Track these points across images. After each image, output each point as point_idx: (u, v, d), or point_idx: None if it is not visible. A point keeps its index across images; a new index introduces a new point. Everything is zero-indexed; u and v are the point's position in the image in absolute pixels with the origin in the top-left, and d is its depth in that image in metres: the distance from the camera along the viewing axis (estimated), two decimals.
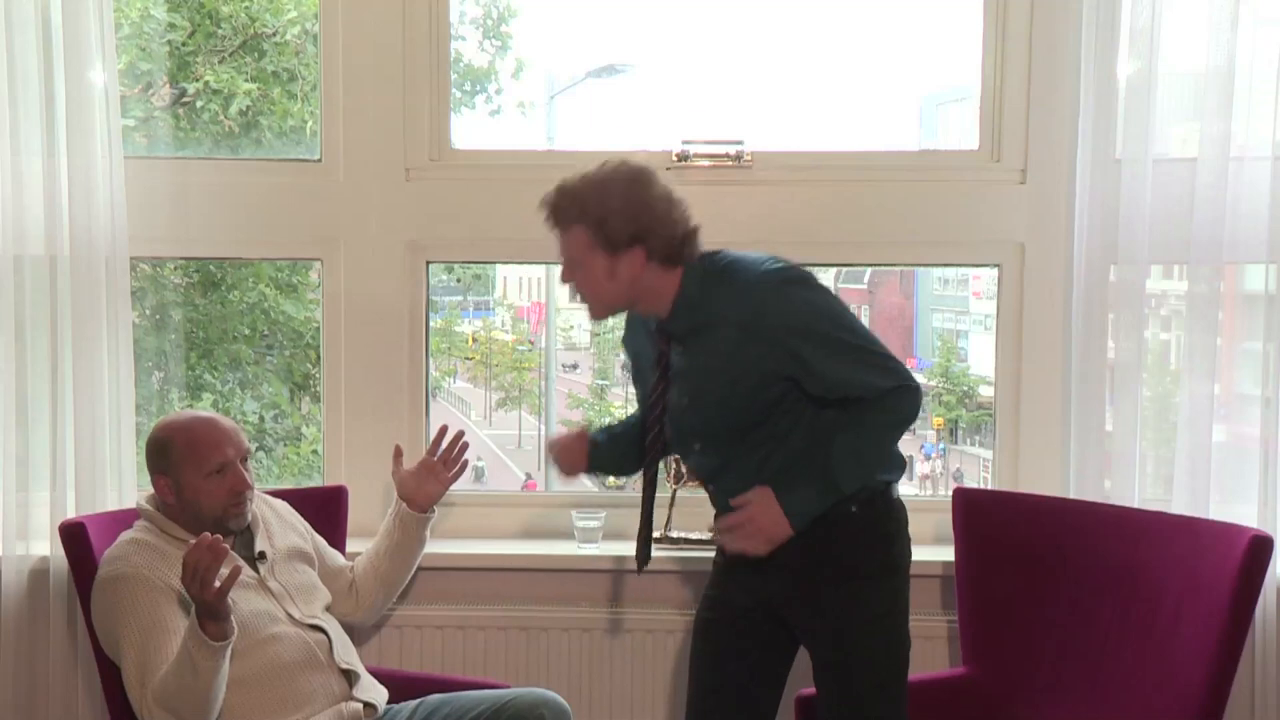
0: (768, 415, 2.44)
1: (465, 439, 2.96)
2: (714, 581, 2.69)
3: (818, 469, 2.42)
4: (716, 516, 2.59)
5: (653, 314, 2.51)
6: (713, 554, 3.12)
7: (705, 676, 2.64)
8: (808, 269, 2.48)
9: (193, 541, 2.53)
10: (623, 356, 2.87)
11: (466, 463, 2.96)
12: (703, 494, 3.18)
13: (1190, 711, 2.53)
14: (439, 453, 2.94)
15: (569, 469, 2.75)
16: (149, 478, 2.63)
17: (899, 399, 2.41)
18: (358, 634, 3.04)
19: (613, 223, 2.40)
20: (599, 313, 2.55)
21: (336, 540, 2.96)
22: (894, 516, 2.53)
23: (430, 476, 2.91)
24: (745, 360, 2.40)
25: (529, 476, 5.22)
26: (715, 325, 2.43)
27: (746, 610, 2.58)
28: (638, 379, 2.69)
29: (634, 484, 4.70)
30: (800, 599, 2.51)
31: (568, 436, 2.75)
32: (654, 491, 2.69)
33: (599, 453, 2.73)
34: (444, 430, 2.98)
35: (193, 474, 2.57)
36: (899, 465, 2.56)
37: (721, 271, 2.46)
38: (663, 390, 2.54)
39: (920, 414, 2.50)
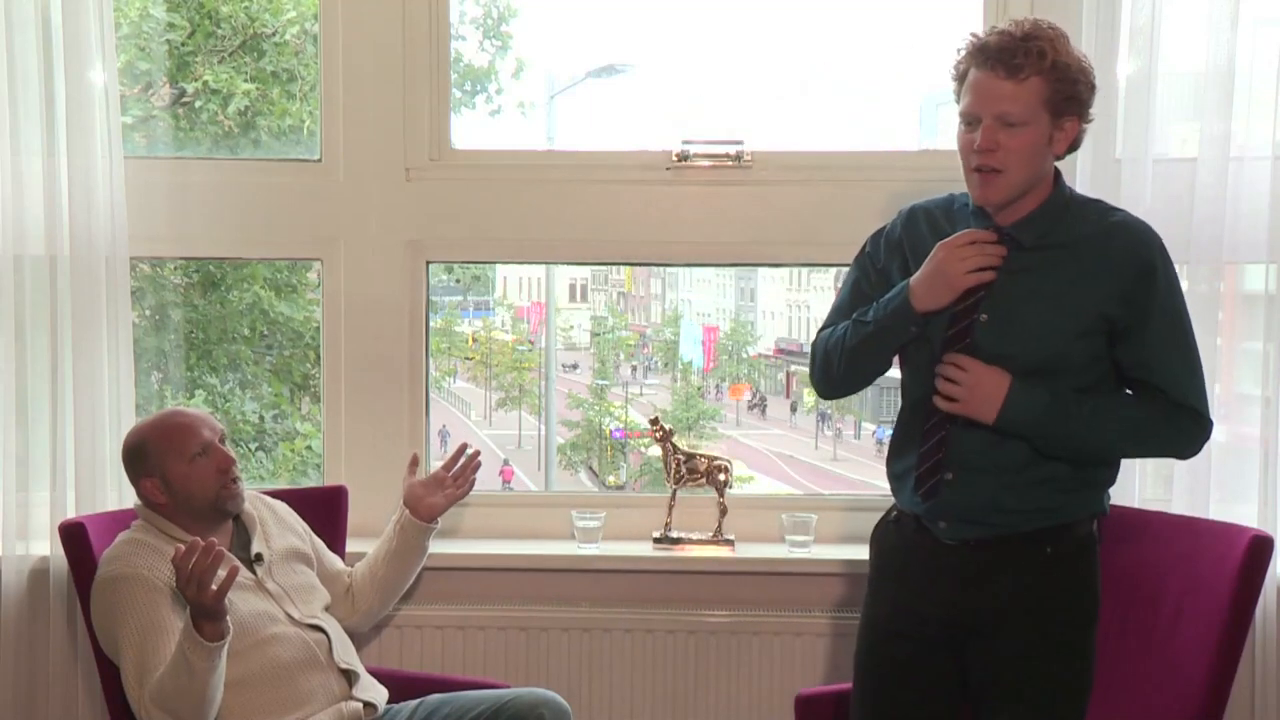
0: (1059, 371, 2.25)
1: (480, 459, 2.96)
2: (884, 615, 2.45)
3: (1062, 392, 2.23)
4: (934, 469, 2.34)
5: (1006, 211, 2.27)
6: (720, 554, 3.14)
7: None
8: None
9: (189, 542, 2.54)
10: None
11: (474, 482, 2.97)
12: (703, 494, 3.20)
13: (1190, 711, 2.53)
14: (454, 469, 2.94)
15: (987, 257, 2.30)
16: (135, 487, 2.62)
17: (1196, 434, 2.32)
18: (357, 634, 3.04)
19: (1080, 82, 2.22)
20: (1009, 191, 2.25)
21: (336, 540, 2.96)
22: (1097, 555, 2.38)
23: (438, 489, 2.92)
24: (1095, 291, 2.23)
25: (506, 462, 5.23)
26: (1076, 246, 2.26)
27: (929, 642, 2.38)
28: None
29: (635, 484, 4.72)
30: (1000, 619, 2.32)
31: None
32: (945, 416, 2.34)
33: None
34: (464, 448, 2.99)
35: (176, 463, 2.56)
36: (1109, 492, 2.41)
37: (1083, 199, 2.33)
38: (976, 301, 2.28)
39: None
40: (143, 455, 2.59)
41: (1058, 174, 2.33)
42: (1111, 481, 2.41)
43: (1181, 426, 2.31)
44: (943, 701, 2.41)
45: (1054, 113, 2.23)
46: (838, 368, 2.44)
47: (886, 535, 2.50)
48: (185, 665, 2.29)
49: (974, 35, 2.30)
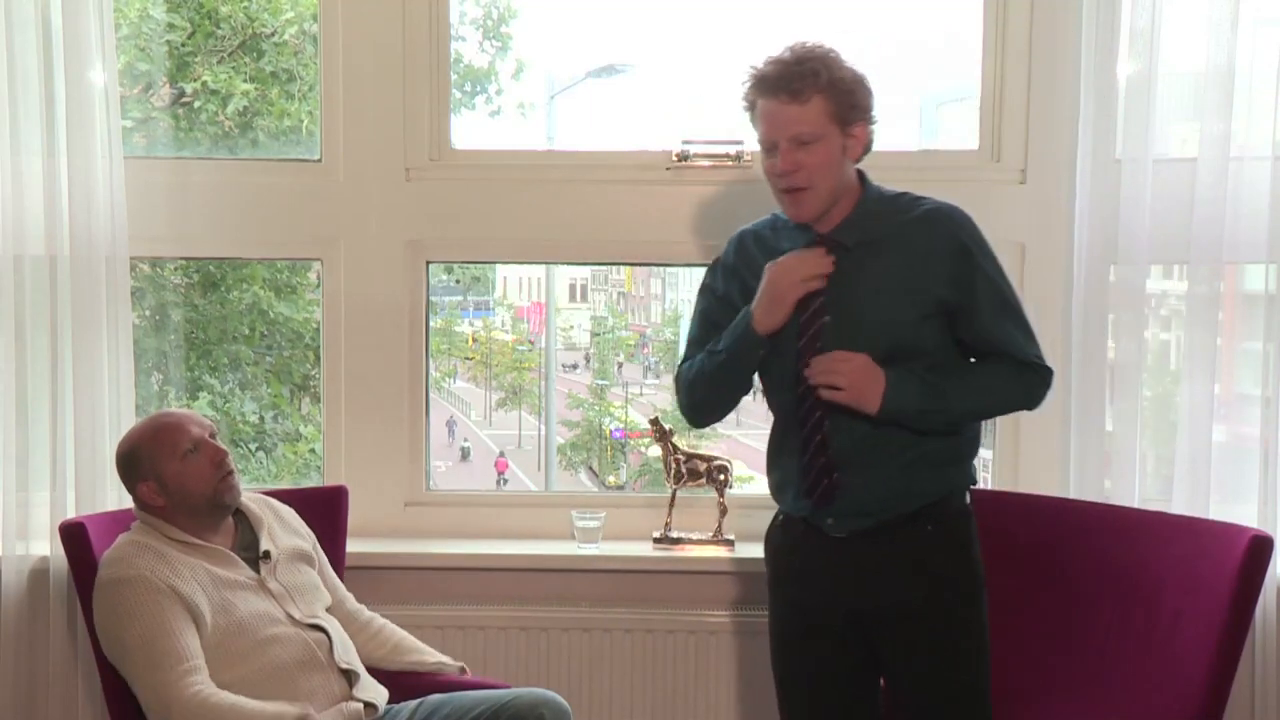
0: (910, 355, 2.38)
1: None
2: (785, 616, 2.61)
3: (927, 374, 2.37)
4: (824, 469, 2.45)
5: (823, 221, 2.41)
6: (720, 554, 3.14)
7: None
8: None
9: (193, 541, 2.54)
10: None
11: None
12: (703, 494, 3.20)
13: (1190, 711, 2.53)
14: None
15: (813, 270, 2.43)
16: (132, 494, 2.61)
17: (1035, 382, 2.44)
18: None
19: (858, 92, 2.36)
20: (818, 204, 2.39)
21: (336, 540, 2.95)
22: (975, 524, 2.53)
23: None
24: (924, 279, 2.37)
25: (501, 454, 5.25)
26: (894, 239, 2.39)
27: (838, 635, 2.52)
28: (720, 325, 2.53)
29: (635, 484, 4.72)
30: (899, 606, 2.45)
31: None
32: (818, 421, 2.45)
33: None
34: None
35: (170, 461, 2.56)
36: (976, 462, 2.55)
37: (898, 193, 2.46)
38: (818, 307, 2.40)
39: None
40: (135, 460, 2.59)
41: (862, 175, 2.47)
42: (974, 453, 2.54)
43: (1028, 381, 2.44)
44: (862, 688, 2.55)
45: (841, 123, 2.36)
46: (701, 397, 2.57)
47: (775, 538, 2.63)
48: None
49: (754, 68, 2.42)
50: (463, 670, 2.79)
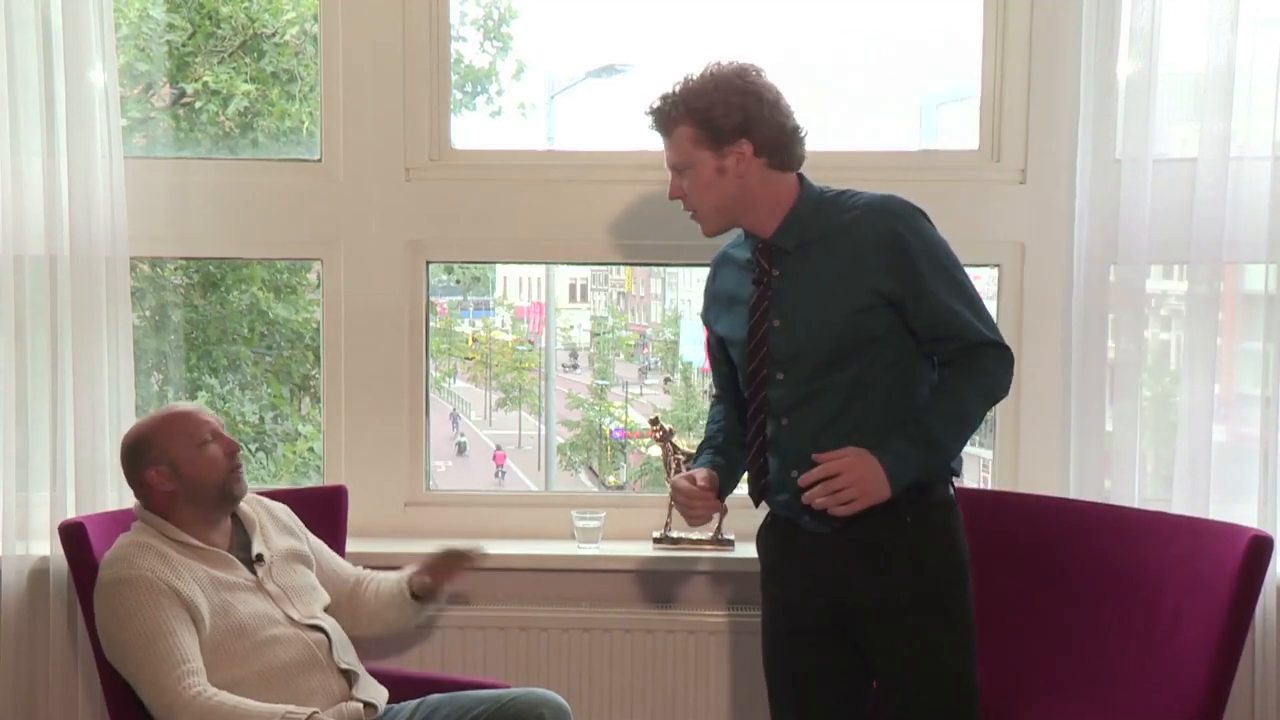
0: (860, 350, 2.39)
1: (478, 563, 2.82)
2: (776, 614, 2.61)
3: (910, 429, 2.37)
4: (780, 468, 2.48)
5: (757, 229, 2.47)
6: (719, 554, 3.14)
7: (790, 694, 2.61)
8: None
9: (192, 542, 2.54)
10: (700, 327, 2.81)
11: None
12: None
13: (1190, 711, 2.53)
14: (458, 559, 2.81)
15: (706, 515, 2.58)
16: (137, 482, 2.60)
17: (997, 365, 2.41)
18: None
19: (716, 113, 2.39)
20: (711, 223, 2.49)
21: (336, 540, 2.95)
22: (958, 509, 2.52)
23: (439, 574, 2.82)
24: (860, 274, 2.38)
25: (498, 447, 5.25)
26: (833, 237, 2.41)
27: (818, 633, 2.53)
28: (726, 342, 2.61)
29: (635, 484, 4.72)
30: (878, 602, 2.45)
31: (699, 490, 2.54)
32: (764, 429, 2.51)
33: (724, 477, 2.61)
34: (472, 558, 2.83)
35: (186, 448, 2.57)
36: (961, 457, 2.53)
37: (837, 193, 2.48)
38: (765, 309, 2.46)
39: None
40: (147, 446, 2.59)
41: (803, 180, 2.49)
42: None
43: (990, 369, 2.42)
44: (849, 684, 2.55)
45: (713, 146, 2.41)
46: None
47: (763, 537, 2.64)
48: None
49: None
50: (475, 552, 2.78)
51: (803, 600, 2.54)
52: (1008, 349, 2.44)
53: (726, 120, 2.40)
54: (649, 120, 2.49)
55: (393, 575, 2.83)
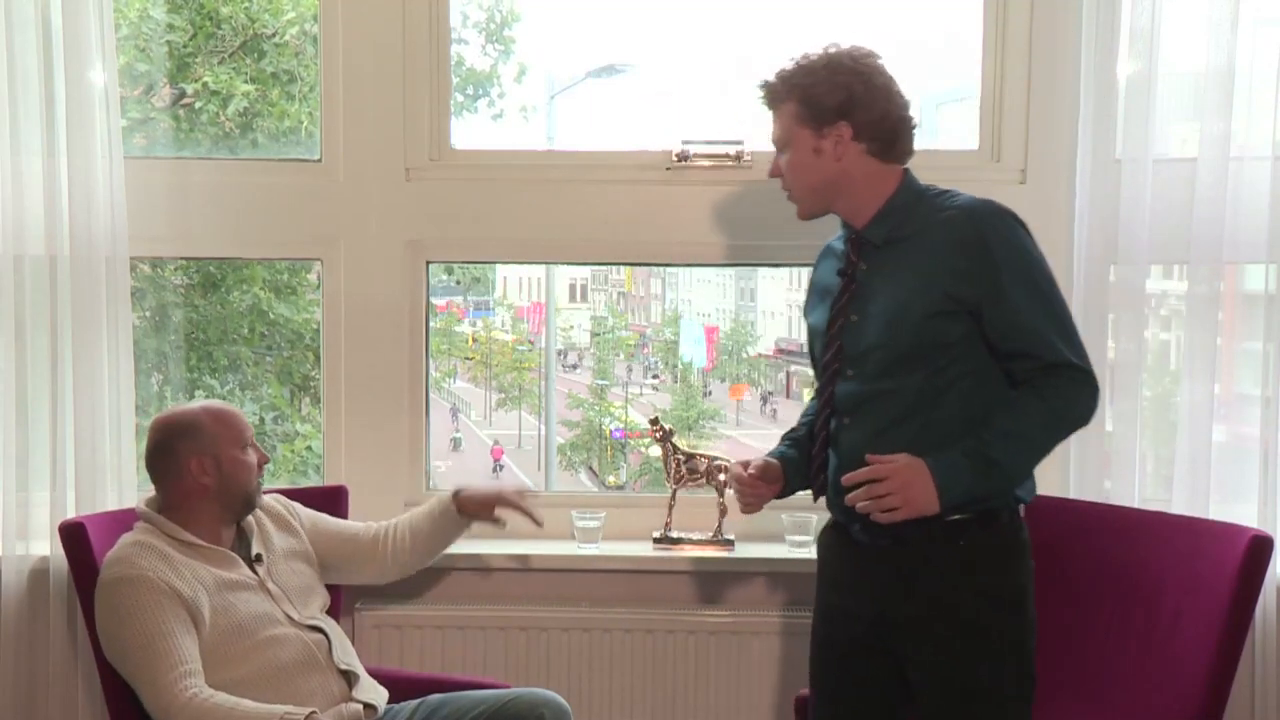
0: (931, 356, 2.30)
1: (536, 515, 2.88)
2: (822, 618, 2.54)
3: (968, 445, 2.27)
4: (837, 468, 2.40)
5: (851, 218, 2.41)
6: (720, 554, 3.14)
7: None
8: None
9: (196, 542, 2.54)
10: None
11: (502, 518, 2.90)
12: (703, 494, 3.20)
13: (1190, 711, 2.53)
14: (516, 503, 2.88)
15: (757, 504, 2.56)
16: (170, 466, 2.58)
17: (1078, 390, 2.29)
18: (357, 634, 3.04)
19: (819, 91, 2.34)
20: (804, 205, 2.44)
21: None
22: (1020, 540, 2.39)
23: (493, 507, 2.87)
24: (939, 275, 2.28)
25: (496, 442, 5.24)
26: (922, 235, 2.33)
27: (858, 643, 2.44)
28: (811, 333, 2.54)
29: (635, 484, 4.72)
30: (916, 622, 2.35)
31: (749, 477, 2.53)
32: (828, 425, 2.45)
33: (792, 469, 2.56)
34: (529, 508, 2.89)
35: (231, 448, 2.60)
36: (1031, 481, 2.41)
37: (937, 192, 2.40)
38: (846, 302, 2.40)
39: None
40: (197, 433, 2.59)
41: (906, 174, 2.42)
42: None
43: (1065, 392, 2.29)
44: (885, 702, 2.45)
45: (813, 125, 2.37)
46: None
47: (821, 540, 2.58)
48: None
49: None
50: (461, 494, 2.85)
51: (849, 608, 2.46)
52: (1091, 375, 2.30)
53: (829, 99, 2.34)
54: (759, 95, 2.44)
55: (423, 506, 2.90)
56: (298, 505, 2.84)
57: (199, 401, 2.78)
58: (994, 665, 2.35)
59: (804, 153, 2.39)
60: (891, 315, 2.33)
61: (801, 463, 2.55)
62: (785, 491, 2.59)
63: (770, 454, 2.60)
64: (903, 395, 2.33)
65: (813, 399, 2.61)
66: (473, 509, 2.86)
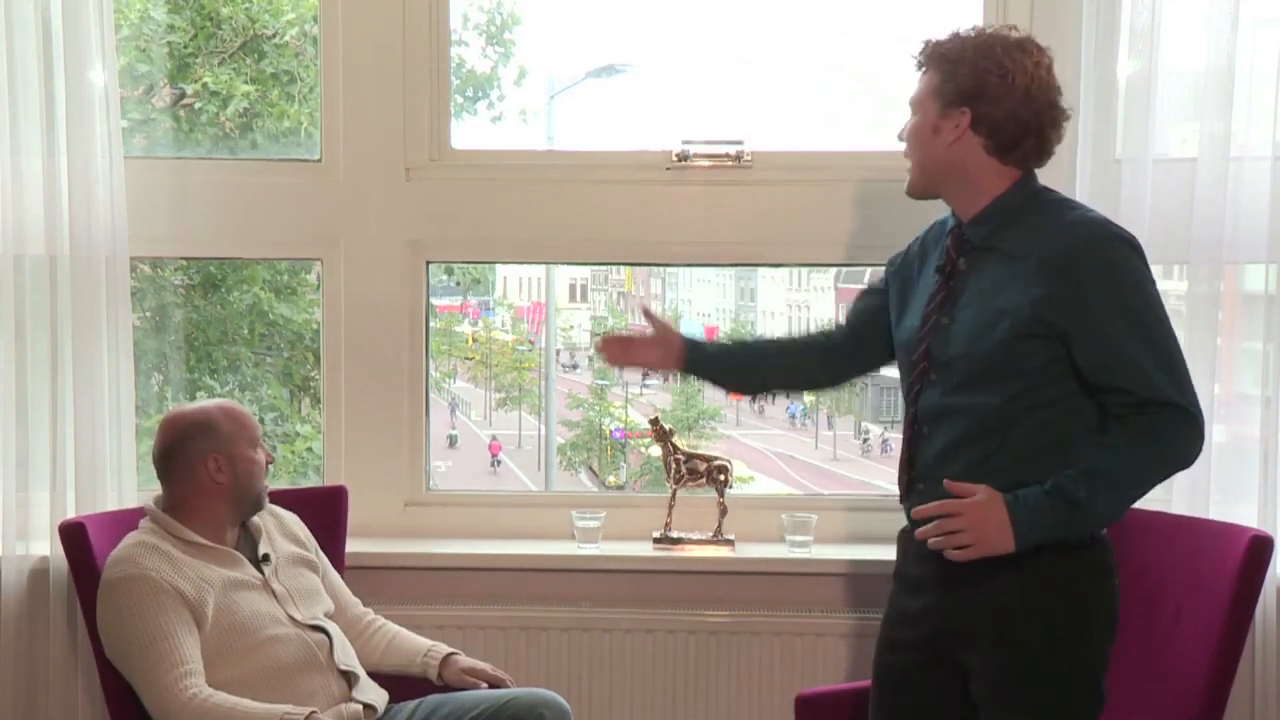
0: (1012, 376, 2.19)
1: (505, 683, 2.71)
2: (890, 618, 2.45)
3: (1052, 484, 2.16)
4: (914, 476, 2.34)
5: (958, 209, 2.33)
6: (720, 554, 3.14)
7: None
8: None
9: (201, 541, 2.54)
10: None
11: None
12: (703, 494, 3.20)
13: (1190, 711, 2.53)
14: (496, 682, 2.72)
15: (618, 353, 2.54)
16: (184, 464, 2.58)
17: (1182, 429, 2.15)
18: None
19: (959, 70, 2.26)
20: (914, 179, 2.36)
21: (336, 541, 2.96)
22: (1100, 560, 2.28)
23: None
24: (1029, 293, 2.17)
25: (494, 437, 5.24)
26: (1021, 246, 2.22)
27: (922, 650, 2.36)
28: (893, 320, 2.47)
29: (635, 484, 4.72)
30: (979, 636, 2.27)
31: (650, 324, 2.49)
32: (913, 425, 2.36)
33: (706, 353, 2.56)
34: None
35: (245, 447, 2.61)
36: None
37: (1055, 202, 2.29)
38: (940, 301, 2.31)
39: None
40: (212, 431, 2.59)
41: (1024, 177, 2.32)
42: None
43: (1162, 432, 2.17)
44: (944, 709, 2.38)
45: (942, 101, 2.29)
46: None
47: (900, 543, 2.48)
48: None
49: None
50: (449, 661, 2.73)
51: (906, 612, 2.40)
52: (1193, 413, 2.16)
53: (962, 82, 2.26)
54: (914, 54, 2.37)
55: (416, 642, 2.78)
56: (319, 548, 2.82)
57: (210, 400, 2.79)
58: (1057, 688, 2.25)
59: (925, 126, 2.32)
60: (977, 327, 2.24)
61: (718, 353, 2.59)
62: (678, 370, 2.57)
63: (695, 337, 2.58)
64: (979, 413, 2.23)
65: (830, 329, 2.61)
66: (452, 678, 2.73)
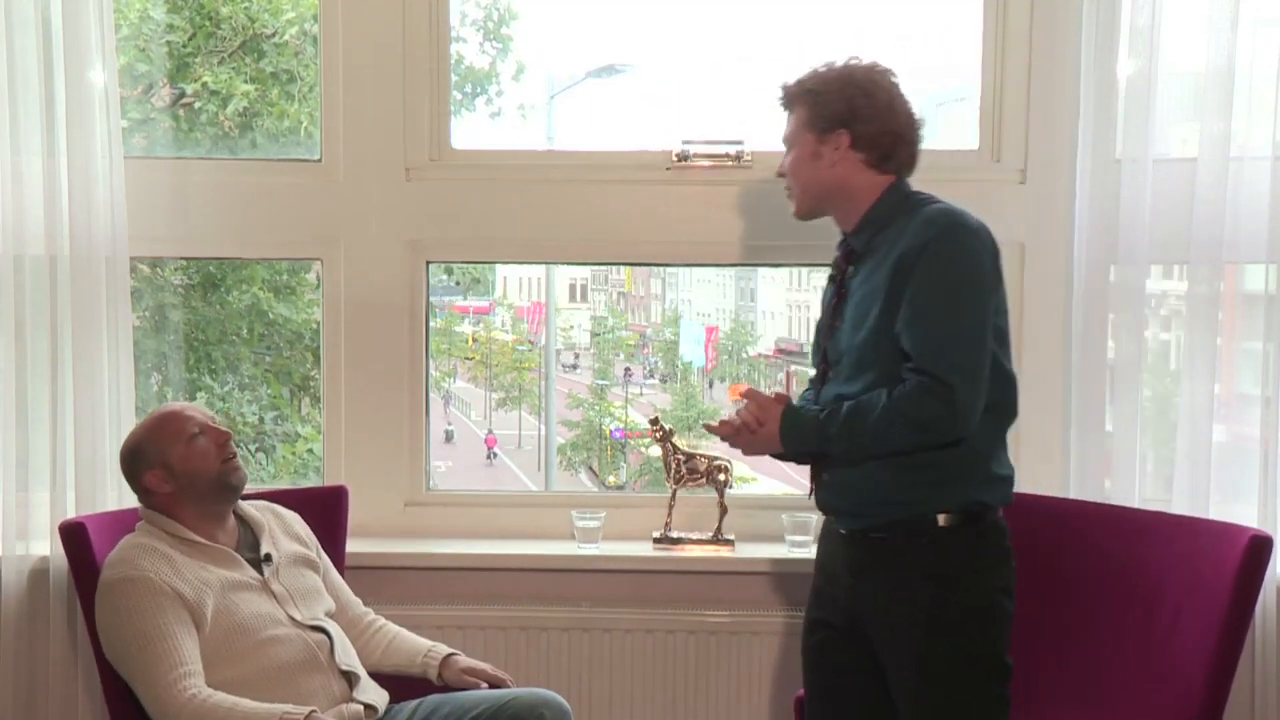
0: (884, 361, 2.37)
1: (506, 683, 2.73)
2: (812, 602, 2.64)
3: (827, 411, 2.41)
4: (817, 473, 2.54)
5: (843, 223, 2.53)
6: (720, 554, 3.14)
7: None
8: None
9: (199, 541, 2.54)
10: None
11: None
12: (703, 494, 3.20)
13: (1190, 711, 2.53)
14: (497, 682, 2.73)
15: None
16: (138, 489, 2.61)
17: (928, 401, 2.30)
18: None
19: (826, 99, 2.46)
20: (799, 203, 2.55)
21: (336, 540, 2.95)
22: (988, 544, 2.43)
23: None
24: (892, 282, 2.36)
25: (490, 431, 5.25)
26: (892, 244, 2.40)
27: (842, 630, 2.53)
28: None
29: (635, 484, 4.72)
30: (883, 616, 2.44)
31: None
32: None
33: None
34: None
35: (175, 446, 2.58)
36: (998, 486, 2.44)
37: (918, 202, 2.47)
38: (834, 306, 2.53)
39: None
40: (140, 452, 2.60)
41: (895, 184, 2.49)
42: (986, 472, 2.42)
43: (916, 398, 2.31)
44: (866, 684, 2.51)
45: (820, 130, 2.47)
46: None
47: (821, 528, 2.65)
48: None
49: None
50: (449, 661, 2.73)
51: (826, 596, 2.57)
52: (952, 389, 2.29)
53: (833, 107, 2.46)
54: (778, 96, 2.57)
55: (416, 642, 2.78)
56: (320, 548, 2.82)
57: (142, 419, 2.75)
58: (964, 658, 2.39)
59: (805, 154, 2.50)
60: (854, 322, 2.45)
61: None
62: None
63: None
64: (859, 396, 2.41)
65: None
66: (452, 678, 2.72)
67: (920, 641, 2.39)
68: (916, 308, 2.33)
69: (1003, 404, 2.42)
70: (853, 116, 2.45)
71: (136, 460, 2.61)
